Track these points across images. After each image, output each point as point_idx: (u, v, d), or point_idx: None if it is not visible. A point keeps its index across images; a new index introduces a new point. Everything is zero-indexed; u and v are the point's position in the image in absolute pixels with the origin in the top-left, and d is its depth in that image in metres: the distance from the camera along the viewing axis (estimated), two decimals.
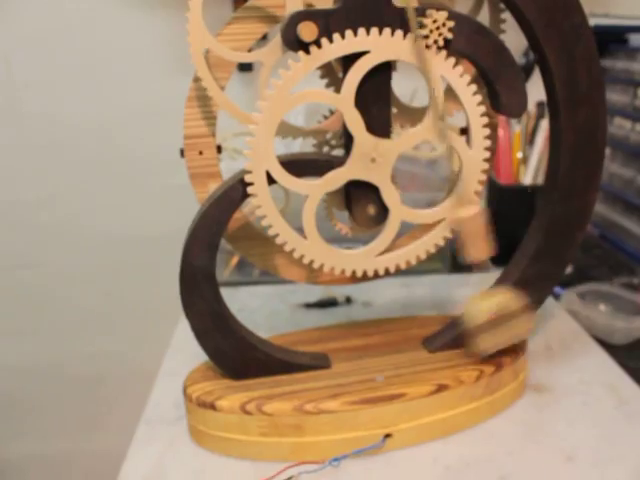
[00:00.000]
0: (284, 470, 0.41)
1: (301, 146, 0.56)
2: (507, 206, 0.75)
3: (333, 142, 0.49)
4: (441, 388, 0.44)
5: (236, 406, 0.43)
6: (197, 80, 0.44)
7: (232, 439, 0.44)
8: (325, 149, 0.49)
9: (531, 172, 0.79)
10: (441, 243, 0.45)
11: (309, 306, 0.64)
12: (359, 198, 0.43)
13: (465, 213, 0.41)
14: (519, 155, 0.81)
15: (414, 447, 0.44)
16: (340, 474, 0.42)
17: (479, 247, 0.42)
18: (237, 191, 0.42)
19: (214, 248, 0.42)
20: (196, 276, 0.42)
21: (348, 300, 0.65)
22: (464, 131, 0.48)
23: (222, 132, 0.49)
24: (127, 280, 0.93)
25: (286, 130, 0.48)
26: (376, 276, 0.46)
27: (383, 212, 0.43)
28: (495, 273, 0.50)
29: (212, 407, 0.43)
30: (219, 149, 0.47)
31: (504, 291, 0.43)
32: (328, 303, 0.64)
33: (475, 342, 0.43)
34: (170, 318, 0.61)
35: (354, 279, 0.50)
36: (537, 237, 0.47)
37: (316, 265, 0.43)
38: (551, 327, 0.58)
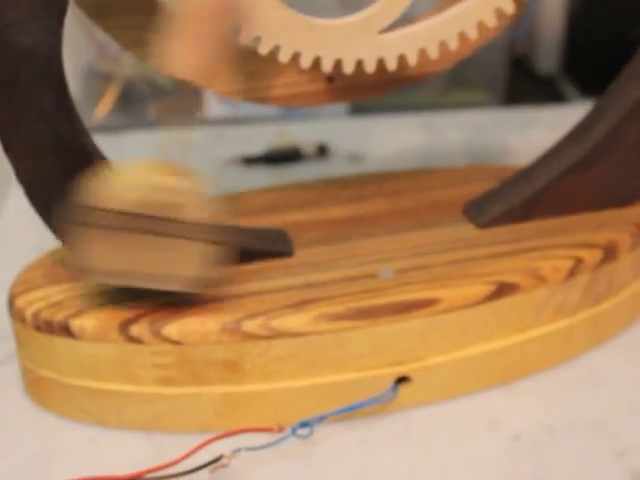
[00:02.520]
0: (206, 444, 0.37)
1: None
2: None
3: None
4: (504, 290, 0.40)
5: (111, 328, 0.38)
6: None
7: (105, 392, 0.39)
8: None
9: None
10: (507, 9, 0.39)
11: (251, 161, 0.61)
12: None
13: None
14: None
15: (450, 402, 0.41)
16: (313, 452, 0.39)
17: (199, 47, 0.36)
18: None
19: (57, 11, 0.36)
20: (24, 69, 0.36)
21: (322, 151, 0.62)
22: None
23: None
24: None
25: None
26: (382, 86, 0.42)
27: None
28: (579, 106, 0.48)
29: (65, 331, 0.39)
30: None
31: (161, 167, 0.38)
32: (285, 156, 0.61)
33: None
34: None
35: (333, 94, 0.44)
36: None
37: (264, 48, 0.38)
38: None
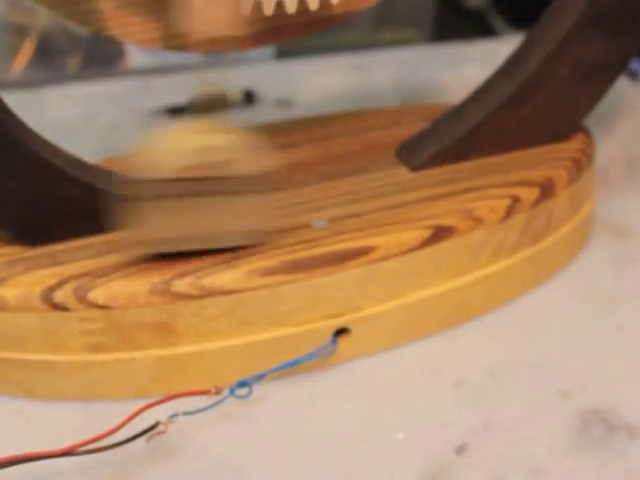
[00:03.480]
0: (141, 412, 0.36)
1: None
2: None
3: None
4: (440, 234, 0.39)
5: (34, 294, 0.37)
6: None
7: (32, 362, 0.38)
8: None
9: None
10: None
11: (175, 112, 0.60)
12: None
13: None
14: None
15: (392, 351, 0.40)
16: (253, 412, 0.38)
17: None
18: None
19: None
20: None
21: (249, 97, 0.61)
22: None
23: None
24: None
25: None
26: (305, 27, 0.40)
27: None
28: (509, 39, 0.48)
29: None
30: None
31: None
32: (210, 105, 0.55)
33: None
34: None
35: (256, 39, 0.42)
36: None
37: None
38: (628, 126, 0.57)
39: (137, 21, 0.41)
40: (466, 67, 0.62)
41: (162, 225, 0.36)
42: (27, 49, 0.68)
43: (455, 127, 0.42)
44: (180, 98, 0.60)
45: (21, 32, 0.67)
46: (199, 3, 0.37)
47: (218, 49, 0.43)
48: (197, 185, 0.36)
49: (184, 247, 0.37)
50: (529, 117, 0.41)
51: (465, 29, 0.70)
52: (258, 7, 0.37)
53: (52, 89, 0.63)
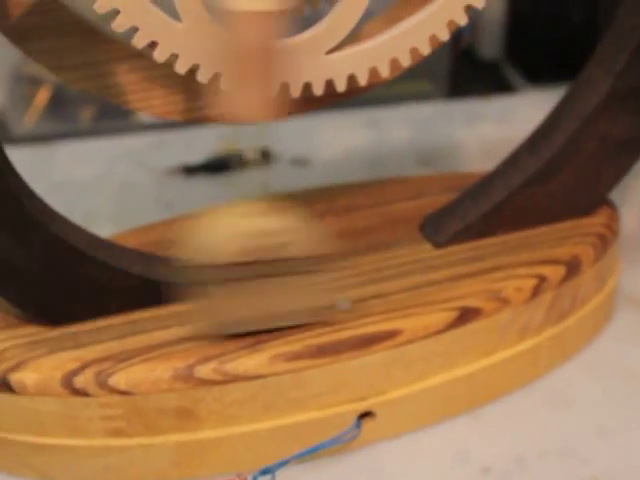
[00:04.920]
0: None
1: None
2: None
3: None
4: (466, 315, 0.38)
5: (55, 379, 0.36)
6: None
7: (51, 447, 0.38)
8: None
9: None
10: (461, 21, 0.37)
11: (191, 170, 0.59)
12: None
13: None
14: None
15: (417, 433, 0.40)
16: None
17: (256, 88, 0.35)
18: None
19: None
20: None
21: (265, 156, 0.61)
22: None
23: None
24: None
25: None
26: (330, 98, 0.39)
27: None
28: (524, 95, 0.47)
29: (4, 385, 0.37)
30: None
31: None
32: (227, 164, 0.60)
33: None
34: None
35: (277, 111, 0.41)
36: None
37: (204, 76, 0.36)
38: None
39: (159, 94, 0.41)
40: (482, 124, 0.62)
41: (229, 308, 0.37)
42: (40, 100, 0.68)
43: (480, 203, 0.41)
44: (195, 155, 0.60)
45: (34, 83, 0.68)
46: (228, 88, 0.36)
47: (240, 121, 0.43)
48: (256, 269, 0.36)
49: (254, 327, 0.37)
50: (555, 193, 0.41)
51: (480, 81, 0.70)
52: (285, 88, 0.37)
53: (65, 144, 0.63)
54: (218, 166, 0.60)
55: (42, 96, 0.67)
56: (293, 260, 0.36)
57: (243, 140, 0.61)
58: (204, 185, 0.58)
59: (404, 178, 0.49)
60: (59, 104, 0.68)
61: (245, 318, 0.37)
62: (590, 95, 0.40)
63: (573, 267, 0.40)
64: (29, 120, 0.67)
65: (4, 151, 0.35)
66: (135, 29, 0.33)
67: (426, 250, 0.42)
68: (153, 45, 0.34)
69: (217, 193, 0.56)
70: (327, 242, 0.37)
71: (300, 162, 0.60)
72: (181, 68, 0.34)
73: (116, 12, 0.33)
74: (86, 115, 0.68)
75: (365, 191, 0.47)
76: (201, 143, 0.61)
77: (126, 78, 0.41)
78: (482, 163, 0.55)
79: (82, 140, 0.64)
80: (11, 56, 0.68)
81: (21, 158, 0.37)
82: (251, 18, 0.32)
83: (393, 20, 0.41)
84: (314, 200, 0.46)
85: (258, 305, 0.37)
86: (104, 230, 0.48)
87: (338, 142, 0.62)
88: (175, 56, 0.34)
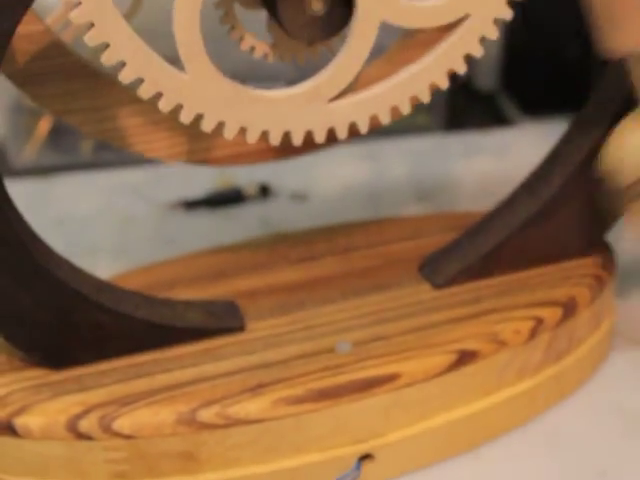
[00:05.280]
0: None
1: None
2: None
3: None
4: (465, 358, 0.39)
5: (59, 423, 0.36)
6: None
7: None
8: None
9: None
10: (460, 70, 0.38)
11: (191, 205, 0.60)
12: None
13: None
14: None
15: (417, 474, 0.40)
16: None
17: None
18: None
19: None
20: None
21: (264, 191, 0.61)
22: None
23: None
24: None
25: None
26: (330, 141, 0.40)
27: (340, 8, 0.36)
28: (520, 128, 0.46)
29: (9, 431, 0.37)
30: None
31: None
32: (227, 198, 0.60)
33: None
34: None
35: (279, 151, 0.44)
36: None
37: (208, 125, 0.36)
38: None
39: (162, 137, 0.42)
40: (479, 158, 0.63)
41: None
42: (41, 132, 0.67)
43: (479, 244, 0.42)
44: (194, 189, 0.60)
45: (35, 115, 0.67)
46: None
47: (239, 162, 0.44)
48: None
49: None
50: (552, 234, 0.41)
51: (477, 113, 0.70)
52: (287, 136, 0.37)
53: (65, 176, 0.64)
54: (218, 201, 0.60)
55: (42, 128, 0.67)
56: None
57: (242, 175, 0.61)
58: (204, 220, 0.59)
59: (402, 218, 0.49)
60: (59, 136, 0.68)
61: None
62: (586, 137, 0.40)
63: (570, 309, 0.41)
64: (29, 152, 0.67)
65: (8, 194, 0.36)
66: (141, 80, 0.34)
67: (425, 291, 0.42)
68: (158, 95, 0.34)
69: (217, 228, 0.57)
70: None
71: (299, 197, 0.60)
72: (186, 118, 0.35)
73: (122, 64, 0.33)
74: (86, 147, 0.68)
75: (364, 231, 0.47)
76: (201, 177, 0.61)
77: (130, 122, 0.41)
78: (479, 198, 0.56)
79: (82, 172, 0.64)
80: (11, 88, 0.68)
81: (21, 192, 0.37)
82: None
83: (394, 62, 0.41)
84: (313, 240, 0.47)
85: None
86: (106, 266, 0.49)
87: (336, 176, 0.62)
88: (180, 106, 0.35)
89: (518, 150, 0.61)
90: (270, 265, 0.45)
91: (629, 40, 0.34)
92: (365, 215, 0.53)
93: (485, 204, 0.43)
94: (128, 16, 0.39)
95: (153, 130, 0.42)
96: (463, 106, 0.70)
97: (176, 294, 0.42)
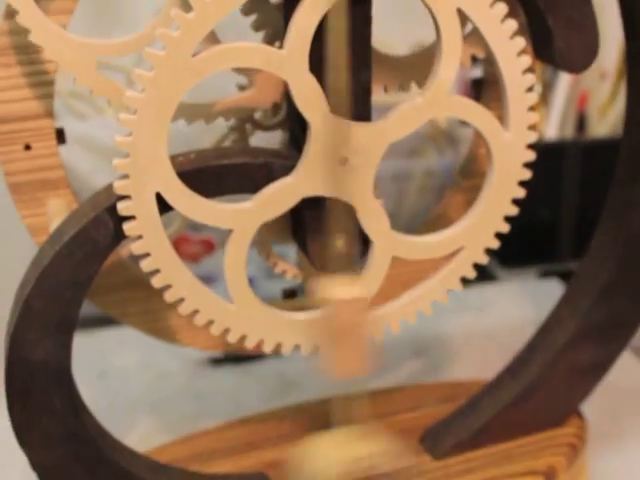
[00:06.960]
0: None
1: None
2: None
3: (264, 121, 0.43)
4: None
5: None
6: (11, 15, 0.37)
7: None
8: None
9: (556, 121, 0.76)
10: (458, 288, 0.41)
11: (218, 362, 0.62)
12: (317, 225, 0.39)
13: (343, 293, 0.35)
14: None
15: None
16: None
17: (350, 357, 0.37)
18: (105, 228, 0.36)
19: (68, 328, 0.37)
20: (36, 379, 0.37)
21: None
22: (478, 84, 0.46)
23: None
24: None
25: (188, 110, 0.41)
26: None
27: (360, 245, 0.39)
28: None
29: None
30: (61, 136, 0.41)
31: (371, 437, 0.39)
32: (248, 356, 0.61)
33: None
34: None
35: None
36: (608, 265, 0.44)
37: (251, 342, 0.40)
38: (623, 389, 0.58)
39: (203, 332, 0.43)
40: (465, 315, 0.65)
41: None
42: None
43: (471, 421, 0.46)
44: None
45: None
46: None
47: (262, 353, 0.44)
48: None
49: None
50: (533, 410, 0.46)
51: None
52: (315, 349, 0.41)
53: (103, 331, 0.64)
54: (240, 357, 0.61)
55: None
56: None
57: None
58: (230, 377, 0.61)
59: (404, 388, 0.53)
60: None
61: None
62: (559, 334, 0.46)
63: (549, 476, 0.45)
64: None
65: (82, 398, 0.40)
66: (196, 311, 0.38)
67: (426, 462, 0.46)
68: (210, 322, 0.38)
69: (239, 382, 0.59)
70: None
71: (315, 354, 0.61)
72: (232, 338, 0.39)
73: (181, 299, 0.38)
74: None
75: (372, 401, 0.46)
76: None
77: (178, 321, 0.45)
78: (468, 356, 0.59)
79: (119, 327, 0.61)
80: None
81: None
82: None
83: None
84: (322, 411, 0.48)
85: None
86: (146, 421, 0.51)
87: None
88: (227, 329, 0.39)
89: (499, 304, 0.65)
90: (293, 435, 0.47)
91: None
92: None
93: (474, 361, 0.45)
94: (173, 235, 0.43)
95: (195, 326, 0.41)
96: None
97: (213, 467, 0.45)
